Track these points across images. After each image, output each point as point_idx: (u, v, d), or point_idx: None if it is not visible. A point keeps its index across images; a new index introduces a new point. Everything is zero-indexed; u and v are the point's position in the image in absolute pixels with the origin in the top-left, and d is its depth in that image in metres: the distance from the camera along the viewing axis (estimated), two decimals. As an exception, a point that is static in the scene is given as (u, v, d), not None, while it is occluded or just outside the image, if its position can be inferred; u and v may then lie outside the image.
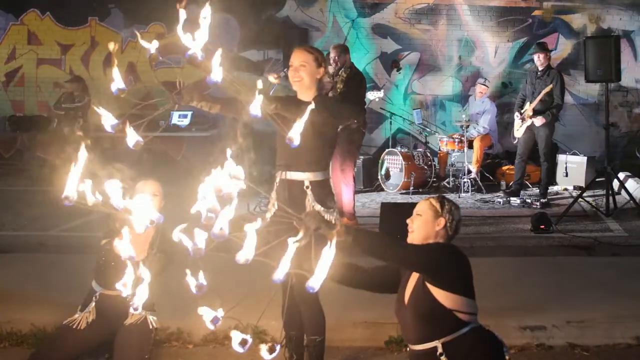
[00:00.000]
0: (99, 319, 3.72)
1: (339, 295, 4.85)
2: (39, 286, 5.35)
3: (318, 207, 3.69)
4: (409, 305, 2.96)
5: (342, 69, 7.37)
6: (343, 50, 7.54)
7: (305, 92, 3.84)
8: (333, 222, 3.54)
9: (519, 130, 8.74)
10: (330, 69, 7.31)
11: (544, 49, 8.67)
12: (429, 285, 2.88)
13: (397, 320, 3.10)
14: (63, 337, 3.76)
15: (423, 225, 3.05)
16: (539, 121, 8.45)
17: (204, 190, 2.14)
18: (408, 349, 3.06)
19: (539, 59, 8.57)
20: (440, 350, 2.84)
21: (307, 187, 3.74)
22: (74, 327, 3.72)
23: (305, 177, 3.75)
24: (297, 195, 3.74)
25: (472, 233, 7.30)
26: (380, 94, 9.52)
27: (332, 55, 7.44)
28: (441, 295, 2.86)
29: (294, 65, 3.81)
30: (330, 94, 7.02)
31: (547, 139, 8.62)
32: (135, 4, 11.60)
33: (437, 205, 3.08)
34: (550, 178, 9.19)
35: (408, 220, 3.10)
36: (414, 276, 3.01)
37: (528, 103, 8.62)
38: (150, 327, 3.76)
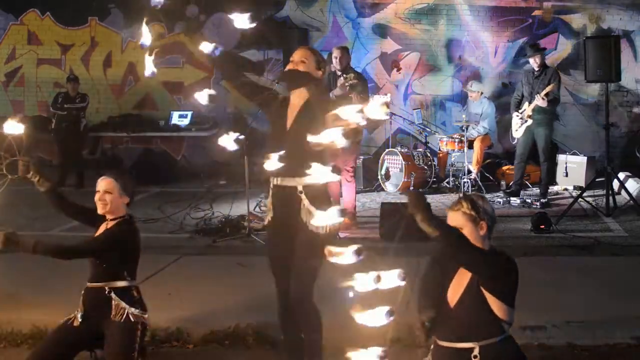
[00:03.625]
0: (89, 314, 3.74)
1: (339, 296, 4.85)
2: (39, 286, 5.35)
3: (312, 210, 3.67)
4: (459, 306, 2.99)
5: (347, 70, 7.44)
6: (347, 51, 7.67)
7: (301, 90, 3.83)
8: (328, 227, 3.68)
9: (518, 130, 8.73)
10: (330, 67, 7.40)
11: (539, 50, 8.66)
12: (485, 291, 2.93)
13: (424, 313, 3.06)
14: (61, 334, 3.79)
15: (469, 238, 3.00)
16: (542, 102, 8.37)
17: None
18: (434, 344, 3.06)
19: (535, 62, 8.58)
20: (476, 352, 2.90)
21: (301, 192, 3.73)
22: (70, 323, 3.76)
23: (298, 182, 3.73)
24: (291, 201, 3.75)
25: (472, 233, 7.28)
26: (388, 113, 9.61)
27: (335, 54, 7.51)
28: (494, 303, 2.93)
29: (294, 61, 3.82)
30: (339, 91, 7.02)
31: (547, 138, 8.62)
32: (135, 4, 11.59)
33: (473, 212, 3.05)
34: (551, 178, 9.19)
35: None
36: (464, 276, 3.02)
37: (527, 103, 8.61)
38: (137, 324, 3.73)
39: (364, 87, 7.40)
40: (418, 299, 3.06)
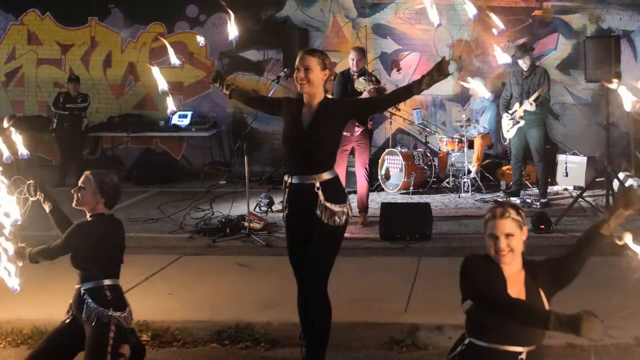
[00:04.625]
0: (76, 314, 3.80)
1: (340, 296, 4.85)
2: (39, 286, 5.35)
3: (329, 205, 3.88)
4: None
5: (364, 72, 7.56)
6: (364, 54, 7.82)
7: (312, 94, 3.97)
8: (345, 216, 3.94)
9: (509, 131, 8.74)
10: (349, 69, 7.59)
11: (526, 51, 8.63)
12: (543, 295, 2.98)
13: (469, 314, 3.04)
14: (59, 335, 3.83)
15: (519, 244, 3.06)
16: (531, 107, 8.37)
17: None
18: (468, 344, 3.00)
19: (524, 62, 8.56)
20: (523, 356, 2.91)
21: (318, 189, 3.90)
22: (66, 324, 3.81)
23: (315, 179, 3.91)
24: (308, 197, 3.92)
25: (472, 233, 7.31)
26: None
27: (352, 56, 7.62)
28: (548, 307, 2.98)
29: (298, 68, 3.95)
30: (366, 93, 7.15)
31: (540, 139, 8.62)
32: (135, 4, 11.61)
33: (520, 218, 3.07)
34: (547, 177, 9.17)
35: (502, 245, 3.01)
36: (517, 277, 3.02)
37: (517, 104, 8.60)
38: (108, 325, 3.72)
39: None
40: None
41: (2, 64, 11.95)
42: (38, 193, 3.94)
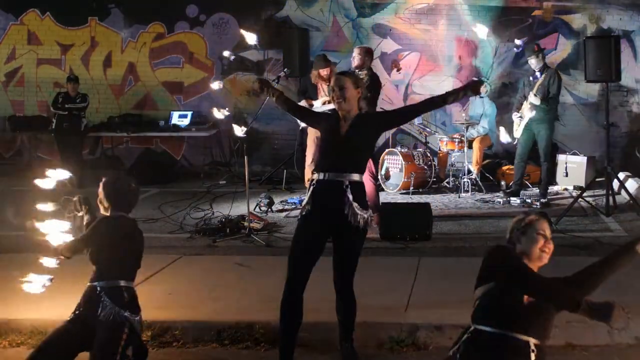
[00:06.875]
0: (84, 312, 3.79)
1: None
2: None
3: (355, 205, 4.12)
4: (530, 303, 2.99)
5: (363, 70, 7.44)
6: (366, 52, 7.67)
7: (348, 110, 4.29)
8: (367, 221, 4.18)
9: (517, 130, 8.74)
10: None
11: (534, 52, 8.64)
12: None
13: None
14: (61, 335, 3.81)
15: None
16: (535, 98, 8.39)
17: None
18: (472, 332, 2.99)
19: (531, 63, 8.59)
20: (532, 347, 2.93)
21: (347, 187, 4.13)
22: (69, 324, 3.79)
23: (346, 178, 4.16)
24: (335, 195, 4.15)
25: (472, 233, 7.31)
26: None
27: (354, 54, 7.55)
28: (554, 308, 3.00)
29: (334, 89, 4.30)
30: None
31: (548, 138, 8.62)
32: (135, 4, 11.61)
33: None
34: (550, 178, 9.18)
35: (552, 246, 3.14)
36: None
37: (525, 102, 8.62)
38: (123, 325, 3.72)
39: (372, 83, 7.30)
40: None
41: (2, 64, 11.96)
42: (83, 207, 4.07)
